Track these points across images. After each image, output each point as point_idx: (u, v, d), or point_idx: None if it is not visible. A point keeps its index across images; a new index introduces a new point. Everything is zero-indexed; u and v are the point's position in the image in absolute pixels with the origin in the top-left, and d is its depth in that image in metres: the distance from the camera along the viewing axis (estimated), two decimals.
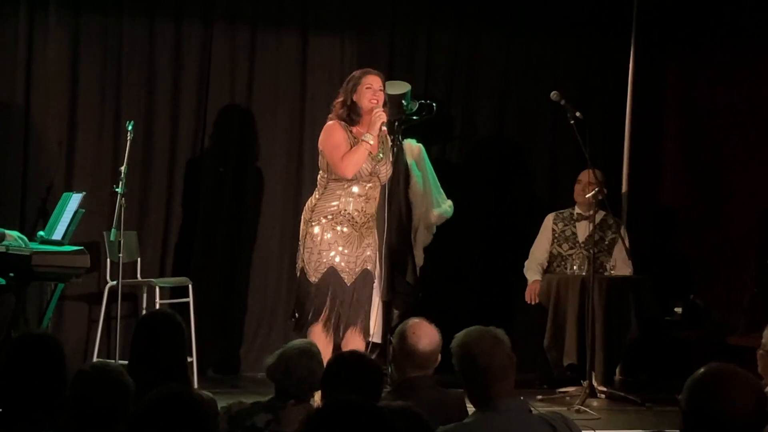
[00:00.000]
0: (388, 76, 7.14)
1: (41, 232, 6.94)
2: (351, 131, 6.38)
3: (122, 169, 6.93)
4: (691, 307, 8.49)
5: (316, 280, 6.32)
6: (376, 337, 7.17)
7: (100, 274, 7.73)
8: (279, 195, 8.27)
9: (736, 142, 8.66)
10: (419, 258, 7.91)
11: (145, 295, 7.72)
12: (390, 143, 6.61)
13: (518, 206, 8.83)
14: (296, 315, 6.46)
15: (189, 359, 6.16)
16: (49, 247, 6.66)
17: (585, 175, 7.88)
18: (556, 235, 8.02)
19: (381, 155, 6.42)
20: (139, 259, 7.83)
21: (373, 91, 6.39)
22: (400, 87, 7.53)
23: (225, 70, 8.19)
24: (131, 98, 7.96)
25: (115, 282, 7.17)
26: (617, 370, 8.23)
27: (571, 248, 7.97)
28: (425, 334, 4.34)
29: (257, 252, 8.23)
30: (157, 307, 7.37)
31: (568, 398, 7.40)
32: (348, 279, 6.34)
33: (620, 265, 7.89)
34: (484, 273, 8.69)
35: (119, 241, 6.84)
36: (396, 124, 7.39)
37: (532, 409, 3.73)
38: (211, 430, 2.89)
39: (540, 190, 8.92)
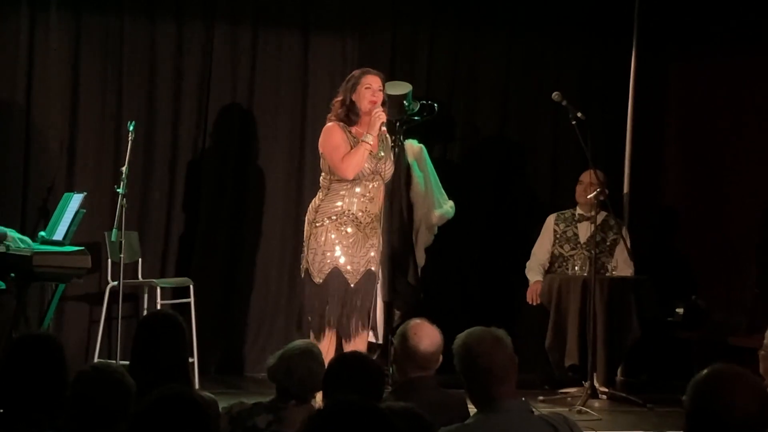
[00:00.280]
0: (389, 76, 7.14)
1: (42, 233, 6.94)
2: (350, 131, 6.36)
3: (123, 169, 6.93)
4: (693, 308, 8.48)
5: (320, 281, 6.31)
6: (377, 337, 7.17)
7: (101, 274, 7.72)
8: (280, 195, 8.26)
9: (737, 143, 8.65)
10: (420, 258, 7.89)
11: (146, 296, 7.72)
12: (390, 142, 6.60)
13: (519, 207, 8.82)
14: (300, 318, 6.45)
15: (190, 360, 6.16)
16: (50, 247, 6.66)
17: (586, 176, 7.88)
18: (558, 235, 8.02)
19: (382, 153, 6.41)
20: (140, 260, 7.83)
21: (372, 91, 6.36)
22: (402, 87, 7.52)
23: (226, 70, 8.19)
24: (132, 98, 7.96)
25: (116, 282, 7.17)
26: (619, 371, 8.21)
27: (572, 249, 7.97)
28: (427, 335, 4.33)
29: (258, 252, 8.23)
30: (159, 307, 7.36)
31: (569, 399, 7.39)
32: (352, 280, 6.32)
33: (622, 265, 7.88)
34: (485, 274, 8.69)
35: (120, 242, 6.83)
36: (397, 124, 7.37)
37: (533, 409, 3.73)
38: (212, 430, 2.89)
39: (541, 190, 8.91)
